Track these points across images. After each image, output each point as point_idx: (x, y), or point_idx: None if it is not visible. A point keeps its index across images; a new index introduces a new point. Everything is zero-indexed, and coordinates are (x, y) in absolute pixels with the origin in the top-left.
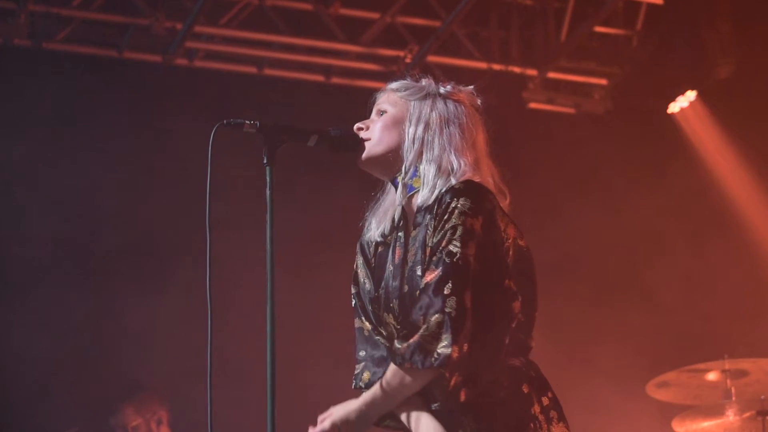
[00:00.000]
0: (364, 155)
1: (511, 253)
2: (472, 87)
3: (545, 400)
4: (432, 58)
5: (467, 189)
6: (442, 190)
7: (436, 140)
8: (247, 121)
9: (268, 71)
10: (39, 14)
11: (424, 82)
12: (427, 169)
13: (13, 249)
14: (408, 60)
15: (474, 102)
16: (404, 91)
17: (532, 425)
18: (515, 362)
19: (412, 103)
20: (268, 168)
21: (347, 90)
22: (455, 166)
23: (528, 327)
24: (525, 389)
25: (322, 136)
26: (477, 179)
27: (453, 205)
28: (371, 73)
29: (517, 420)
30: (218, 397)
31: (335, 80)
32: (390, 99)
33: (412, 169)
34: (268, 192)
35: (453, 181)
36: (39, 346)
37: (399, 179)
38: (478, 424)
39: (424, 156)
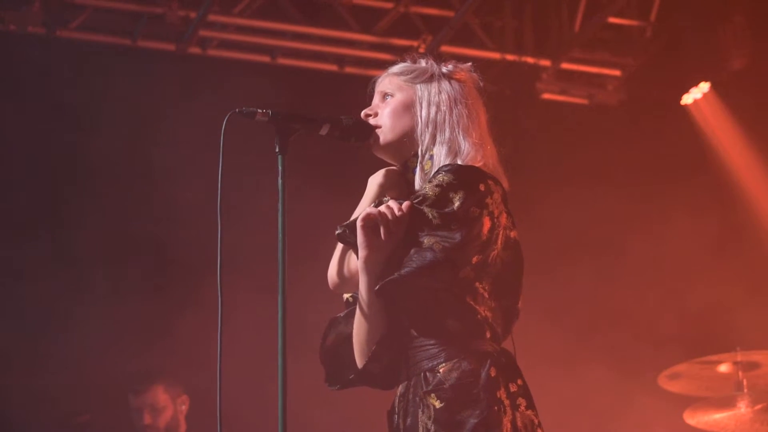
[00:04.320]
0: (378, 141)
1: (499, 242)
2: (470, 64)
3: (513, 386)
4: (445, 48)
5: (459, 169)
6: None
7: (447, 121)
8: (260, 110)
9: (282, 60)
10: (53, 2)
11: (424, 63)
12: (439, 152)
13: None
14: (422, 50)
15: (474, 79)
16: (409, 74)
17: (495, 408)
18: (486, 348)
19: (419, 86)
20: (280, 156)
21: (361, 79)
22: (462, 146)
23: (506, 318)
24: (492, 373)
25: (334, 124)
26: (480, 162)
27: (438, 176)
28: (385, 63)
29: (479, 401)
30: (227, 389)
31: (349, 70)
32: (394, 83)
33: (427, 153)
34: (280, 181)
35: (459, 162)
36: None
37: (411, 164)
38: (440, 404)
39: (437, 138)
